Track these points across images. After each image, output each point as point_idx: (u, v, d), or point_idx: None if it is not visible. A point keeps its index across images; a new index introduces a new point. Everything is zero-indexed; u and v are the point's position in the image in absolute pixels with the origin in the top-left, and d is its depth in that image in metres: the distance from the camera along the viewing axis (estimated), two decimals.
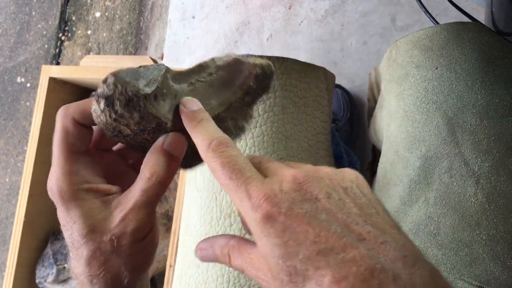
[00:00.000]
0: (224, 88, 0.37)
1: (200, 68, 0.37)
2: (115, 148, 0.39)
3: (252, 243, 0.30)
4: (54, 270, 1.01)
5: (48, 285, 1.03)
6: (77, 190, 0.34)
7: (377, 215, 0.28)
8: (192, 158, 0.37)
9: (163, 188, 0.34)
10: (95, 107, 0.33)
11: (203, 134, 0.32)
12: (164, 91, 0.34)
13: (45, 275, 1.02)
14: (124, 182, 0.36)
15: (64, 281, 1.03)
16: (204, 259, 0.33)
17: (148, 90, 0.33)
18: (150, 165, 0.33)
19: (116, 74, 0.32)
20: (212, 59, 0.38)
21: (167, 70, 0.35)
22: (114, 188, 0.35)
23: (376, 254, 0.26)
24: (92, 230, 0.33)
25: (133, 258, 0.34)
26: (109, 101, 0.32)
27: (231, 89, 0.37)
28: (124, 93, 0.32)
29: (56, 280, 1.02)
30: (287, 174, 0.29)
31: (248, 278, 0.57)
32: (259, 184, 0.28)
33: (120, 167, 0.39)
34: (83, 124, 0.35)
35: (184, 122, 0.33)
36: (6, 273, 0.98)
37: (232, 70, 0.37)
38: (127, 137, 0.34)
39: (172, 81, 0.36)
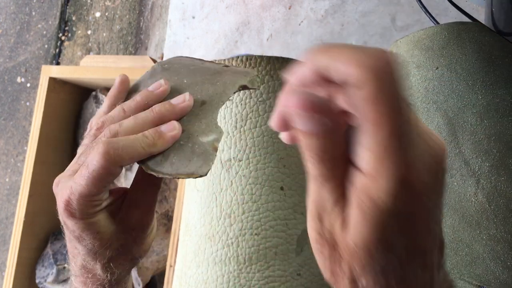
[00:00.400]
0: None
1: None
2: None
3: None
4: (54, 270, 1.01)
5: (48, 285, 1.03)
6: (88, 218, 0.36)
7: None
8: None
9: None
10: None
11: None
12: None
13: (45, 275, 1.02)
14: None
15: (64, 281, 1.03)
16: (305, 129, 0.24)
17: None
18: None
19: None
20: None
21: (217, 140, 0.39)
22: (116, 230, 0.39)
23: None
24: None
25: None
26: None
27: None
28: None
29: (56, 280, 1.02)
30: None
31: (248, 278, 0.57)
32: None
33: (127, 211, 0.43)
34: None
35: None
36: (6, 273, 0.98)
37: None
38: None
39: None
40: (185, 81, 0.42)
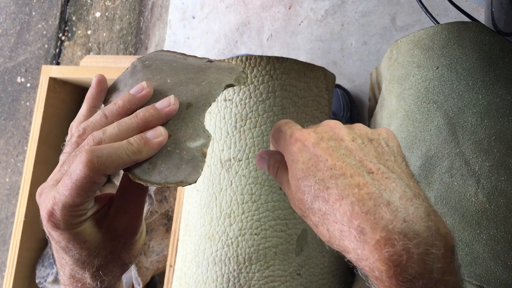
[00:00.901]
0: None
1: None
2: None
3: None
4: (54, 270, 1.01)
5: (48, 285, 1.03)
6: (73, 228, 0.36)
7: (393, 162, 0.34)
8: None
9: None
10: None
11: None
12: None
13: (45, 275, 1.02)
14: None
15: None
16: (258, 165, 0.42)
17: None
18: None
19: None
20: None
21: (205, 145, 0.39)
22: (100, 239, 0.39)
23: (378, 185, 0.31)
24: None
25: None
26: None
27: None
28: None
29: (56, 280, 1.02)
30: (323, 122, 0.36)
31: (248, 278, 0.57)
32: (299, 128, 0.36)
33: (113, 218, 0.42)
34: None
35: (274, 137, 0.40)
36: (6, 273, 0.98)
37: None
38: None
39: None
40: (168, 81, 0.40)
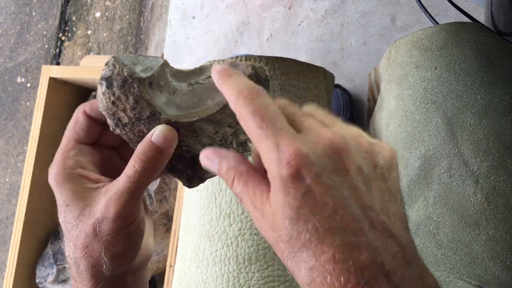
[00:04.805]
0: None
1: (200, 71, 0.38)
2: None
3: (261, 178, 0.29)
4: (54, 270, 1.01)
5: (48, 285, 1.03)
6: (70, 174, 0.35)
7: (393, 204, 0.28)
8: (191, 172, 0.37)
9: (147, 177, 0.34)
10: (99, 92, 0.35)
11: (234, 84, 0.30)
12: (161, 83, 0.36)
13: (45, 275, 1.02)
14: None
15: (64, 281, 1.03)
16: (206, 167, 0.32)
17: (143, 75, 0.35)
18: (136, 154, 0.34)
19: (116, 57, 0.35)
20: (211, 64, 0.39)
21: (166, 63, 0.37)
22: (104, 178, 0.36)
23: (380, 247, 0.26)
24: (82, 213, 0.34)
25: (113, 246, 0.34)
26: (108, 82, 0.34)
27: None
28: (121, 73, 0.34)
29: (56, 280, 1.02)
30: (324, 135, 0.28)
31: (247, 278, 0.57)
32: (290, 138, 0.27)
33: (120, 166, 0.39)
34: (92, 117, 0.37)
35: (215, 80, 0.32)
36: (6, 273, 0.98)
37: None
38: (125, 128, 0.35)
39: (172, 77, 0.37)
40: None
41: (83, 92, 1.12)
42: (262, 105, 0.28)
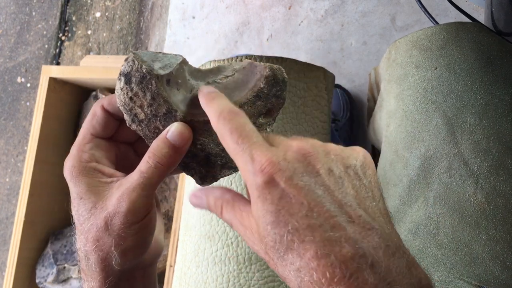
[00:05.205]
0: (237, 90, 0.38)
1: (218, 70, 0.39)
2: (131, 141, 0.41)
3: (246, 200, 0.31)
4: (54, 270, 1.01)
5: (48, 285, 1.03)
6: (85, 167, 0.36)
7: (371, 200, 0.29)
8: (205, 170, 0.38)
9: (161, 173, 0.35)
10: (117, 87, 0.35)
11: (216, 105, 0.33)
12: (179, 80, 0.36)
13: (45, 275, 1.02)
14: None
15: (64, 281, 1.03)
16: (196, 205, 0.34)
17: (161, 72, 0.35)
18: (151, 150, 0.35)
19: (136, 53, 0.35)
20: (230, 64, 0.39)
21: (184, 61, 0.37)
22: (118, 173, 0.37)
23: (361, 239, 0.26)
24: (95, 206, 0.35)
25: (123, 240, 0.34)
26: (127, 78, 0.35)
27: (244, 91, 0.38)
28: (139, 69, 0.34)
29: (56, 280, 1.02)
30: (293, 144, 0.30)
31: (248, 278, 0.57)
32: (263, 150, 0.29)
33: (135, 161, 0.39)
34: (110, 112, 0.37)
35: (200, 102, 0.34)
36: (6, 273, 0.98)
37: (246, 73, 0.38)
38: (142, 124, 0.36)
39: (190, 76, 0.37)
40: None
41: (83, 92, 1.12)
42: (239, 124, 0.31)
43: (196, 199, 0.34)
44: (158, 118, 0.35)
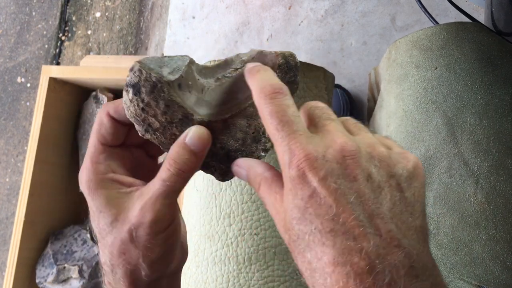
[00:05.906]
0: None
1: (226, 63, 0.37)
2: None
3: (283, 184, 0.30)
4: (54, 270, 1.01)
5: (48, 285, 1.03)
6: (102, 179, 0.34)
7: (409, 215, 0.27)
8: (225, 167, 0.36)
9: (183, 180, 0.34)
10: (125, 99, 0.33)
11: (260, 80, 0.31)
12: (190, 82, 0.35)
13: (45, 275, 1.02)
14: (151, 179, 0.36)
15: (64, 281, 1.03)
16: (236, 174, 0.35)
17: (171, 77, 0.33)
18: (171, 157, 0.33)
19: (141, 61, 0.33)
20: (237, 55, 0.37)
21: (192, 61, 0.35)
22: (137, 181, 0.35)
23: (383, 255, 0.25)
24: (116, 219, 0.33)
25: (151, 251, 0.34)
26: (136, 89, 0.33)
27: None
28: (149, 79, 0.32)
29: (56, 280, 1.02)
30: (337, 141, 0.28)
31: (247, 278, 0.57)
32: (303, 142, 0.28)
33: (149, 164, 0.39)
34: (117, 119, 0.35)
35: (245, 77, 0.33)
36: (6, 273, 0.98)
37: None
38: (157, 132, 0.34)
39: (198, 75, 0.36)
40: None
41: (83, 92, 1.12)
42: (281, 106, 0.29)
43: (239, 168, 0.34)
44: (174, 125, 0.34)
